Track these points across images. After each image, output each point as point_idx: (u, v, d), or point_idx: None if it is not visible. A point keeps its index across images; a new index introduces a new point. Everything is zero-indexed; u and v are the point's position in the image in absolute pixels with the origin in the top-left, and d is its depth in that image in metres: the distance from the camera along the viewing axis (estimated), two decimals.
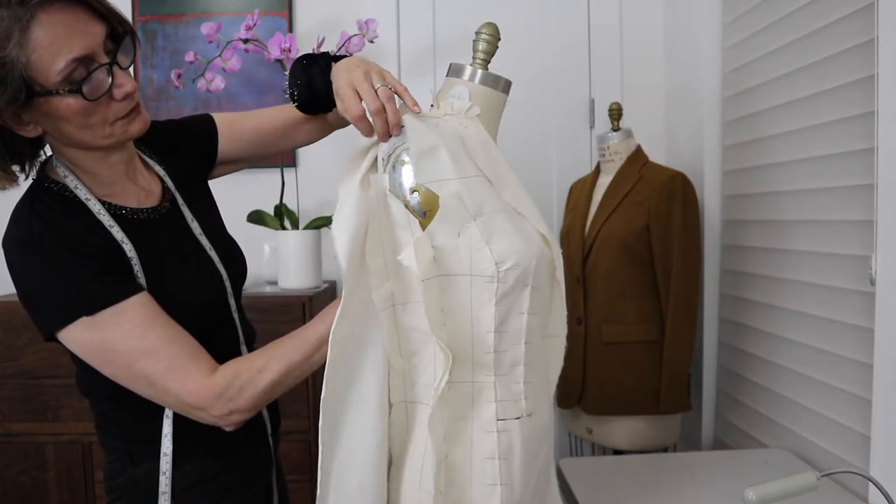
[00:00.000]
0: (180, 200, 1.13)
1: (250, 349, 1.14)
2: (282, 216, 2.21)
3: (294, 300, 2.03)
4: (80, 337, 0.96)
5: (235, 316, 1.14)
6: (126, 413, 1.05)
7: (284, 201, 2.22)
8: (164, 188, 1.12)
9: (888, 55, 1.34)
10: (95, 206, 1.01)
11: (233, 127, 1.24)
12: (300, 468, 1.99)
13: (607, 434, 2.02)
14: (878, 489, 1.04)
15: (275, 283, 2.28)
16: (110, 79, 0.94)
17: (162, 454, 1.04)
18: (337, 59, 1.10)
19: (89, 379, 1.04)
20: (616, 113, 2.09)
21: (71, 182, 1.01)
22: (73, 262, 0.95)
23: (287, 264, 2.17)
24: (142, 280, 1.00)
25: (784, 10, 1.78)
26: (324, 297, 2.20)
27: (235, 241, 1.20)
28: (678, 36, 2.37)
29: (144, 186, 1.10)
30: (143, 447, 1.05)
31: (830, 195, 1.62)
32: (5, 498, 2.03)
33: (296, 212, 2.24)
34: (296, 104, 1.16)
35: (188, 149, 1.20)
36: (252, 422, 1.05)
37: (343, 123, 1.23)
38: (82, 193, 1.01)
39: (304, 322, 1.97)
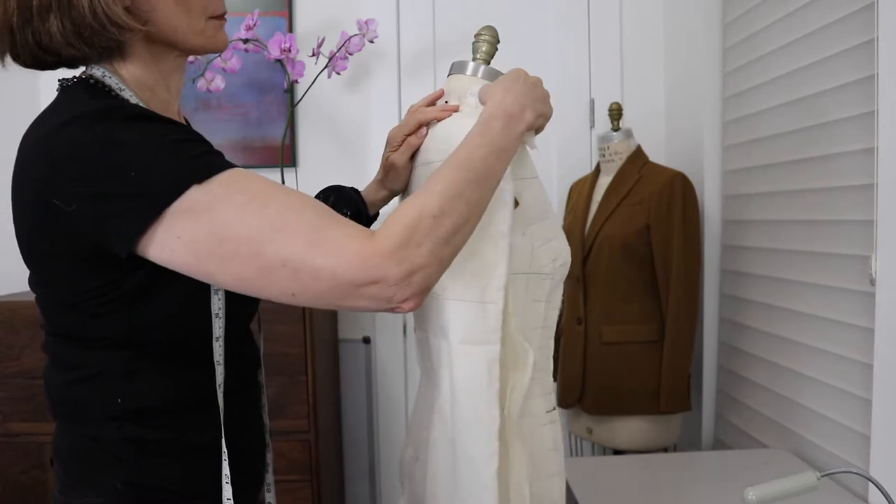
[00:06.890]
0: None
1: None
2: None
3: None
4: (188, 228, 0.72)
5: None
6: (140, 443, 0.82)
7: None
8: None
9: (888, 55, 1.34)
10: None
11: None
12: (300, 468, 1.98)
13: (607, 434, 2.02)
14: (878, 489, 1.04)
15: None
16: None
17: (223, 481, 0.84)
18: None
19: (84, 387, 0.82)
20: (616, 113, 2.09)
21: (116, 84, 0.81)
22: (166, 129, 0.76)
23: None
24: None
25: (784, 10, 1.78)
26: None
27: None
28: (678, 36, 2.37)
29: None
30: (154, 493, 0.83)
31: (830, 195, 1.62)
32: (5, 498, 2.03)
33: None
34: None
35: None
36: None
37: None
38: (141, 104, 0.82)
39: (303, 322, 2.00)
